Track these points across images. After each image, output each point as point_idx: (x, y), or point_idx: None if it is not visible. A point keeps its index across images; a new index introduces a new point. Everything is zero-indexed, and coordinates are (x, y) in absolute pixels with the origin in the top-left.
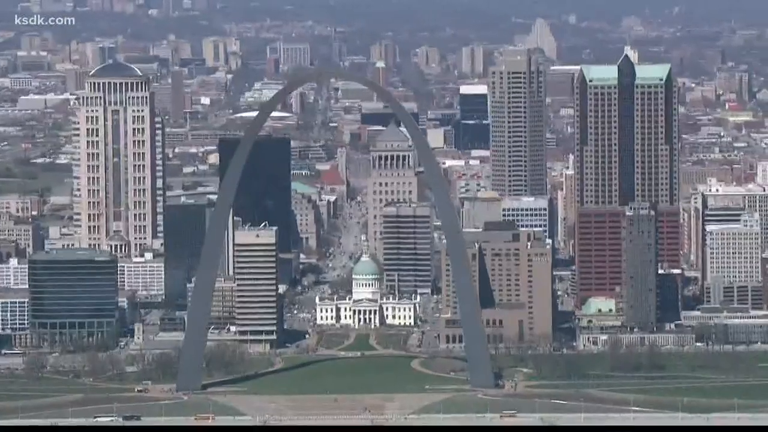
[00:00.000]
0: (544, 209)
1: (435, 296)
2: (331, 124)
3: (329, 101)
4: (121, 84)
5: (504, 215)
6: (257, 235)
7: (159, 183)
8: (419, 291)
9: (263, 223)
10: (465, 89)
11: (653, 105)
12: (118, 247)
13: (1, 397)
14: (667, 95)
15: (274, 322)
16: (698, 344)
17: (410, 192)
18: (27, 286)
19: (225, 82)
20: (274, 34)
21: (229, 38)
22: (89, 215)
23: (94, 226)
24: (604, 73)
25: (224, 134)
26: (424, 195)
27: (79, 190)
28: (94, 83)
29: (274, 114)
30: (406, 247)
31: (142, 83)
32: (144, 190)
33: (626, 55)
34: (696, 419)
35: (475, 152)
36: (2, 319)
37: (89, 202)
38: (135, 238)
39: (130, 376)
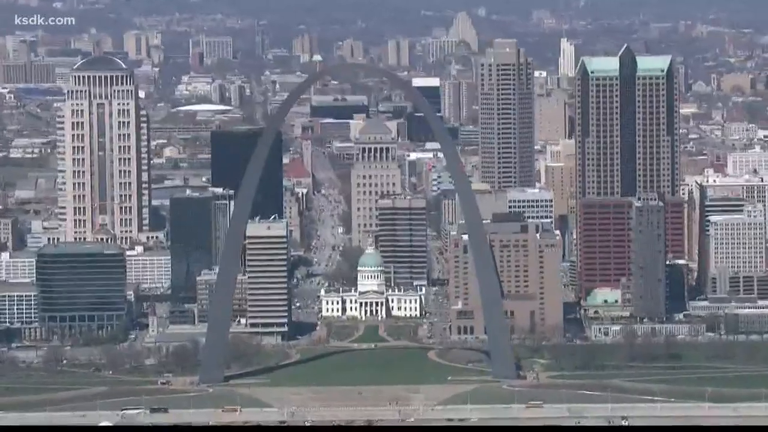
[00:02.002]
0: (550, 201)
1: (433, 288)
2: None
3: (267, 94)
4: (106, 77)
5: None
6: (268, 228)
7: (144, 176)
8: (415, 283)
9: (273, 216)
10: (417, 82)
11: (655, 96)
12: (105, 240)
13: (26, 390)
14: (669, 87)
15: (286, 314)
16: (709, 334)
17: (394, 184)
18: (23, 280)
19: (153, 75)
20: (186, 27)
21: (150, 32)
22: (74, 209)
23: (80, 220)
24: (606, 65)
25: (173, 128)
26: (408, 187)
27: (64, 183)
28: (79, 76)
29: (215, 107)
30: (402, 239)
31: (126, 77)
32: (129, 183)
33: (628, 47)
34: (723, 409)
35: (429, 144)
36: (9, 313)
37: (74, 196)
38: (120, 232)
39: (149, 369)
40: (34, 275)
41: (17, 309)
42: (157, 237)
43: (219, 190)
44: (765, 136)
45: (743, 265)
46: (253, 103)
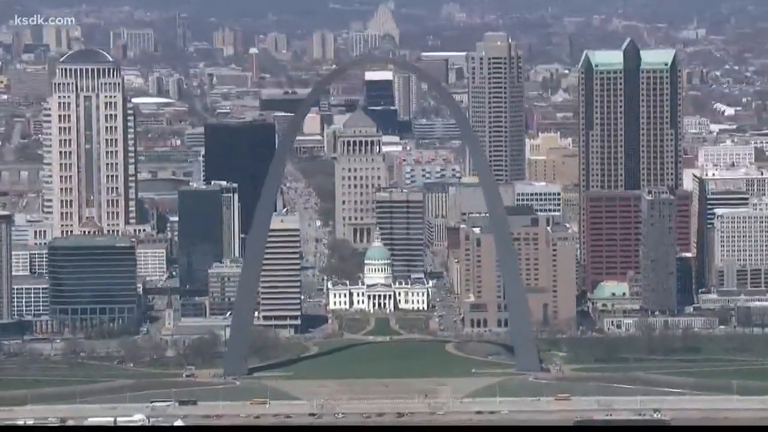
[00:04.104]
0: (557, 194)
1: (433, 281)
2: (222, 111)
3: (203, 87)
4: (92, 70)
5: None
6: (282, 221)
7: (131, 169)
8: (413, 276)
9: (285, 209)
10: (370, 75)
11: (658, 90)
12: (93, 233)
13: (50, 382)
14: (672, 80)
15: (299, 307)
16: (721, 327)
17: (379, 177)
18: (16, 273)
19: None
20: (95, 19)
21: (71, 24)
22: (61, 201)
23: (67, 213)
24: (610, 59)
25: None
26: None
27: (50, 176)
28: (66, 69)
29: (157, 100)
30: (399, 232)
31: (113, 69)
32: (117, 176)
33: (632, 40)
34: (751, 402)
35: (385, 138)
36: (18, 306)
37: (61, 189)
38: (108, 225)
39: (170, 361)
40: (28, 268)
41: (26, 302)
42: (145, 230)
43: (224, 183)
44: (721, 130)
45: (749, 258)
46: (192, 96)
